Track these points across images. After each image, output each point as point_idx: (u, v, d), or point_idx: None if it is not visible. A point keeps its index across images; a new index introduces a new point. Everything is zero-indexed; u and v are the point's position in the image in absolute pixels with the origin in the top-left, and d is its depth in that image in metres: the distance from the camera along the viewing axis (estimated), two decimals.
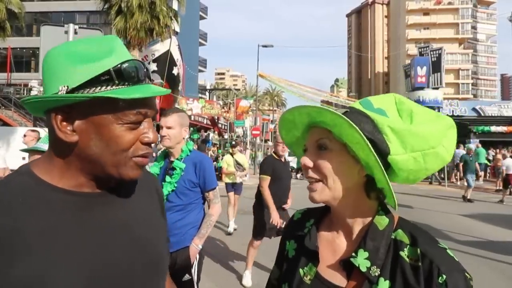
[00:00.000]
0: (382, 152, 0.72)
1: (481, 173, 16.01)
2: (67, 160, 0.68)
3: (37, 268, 0.60)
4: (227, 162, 7.56)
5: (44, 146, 1.48)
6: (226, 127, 28.69)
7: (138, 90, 0.66)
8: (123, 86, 0.66)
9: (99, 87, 0.64)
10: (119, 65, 0.65)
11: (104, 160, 0.67)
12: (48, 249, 0.62)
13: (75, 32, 4.42)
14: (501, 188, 11.87)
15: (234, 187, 7.36)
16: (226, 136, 24.89)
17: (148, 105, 0.69)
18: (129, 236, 0.72)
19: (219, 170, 16.96)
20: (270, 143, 47.17)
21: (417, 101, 17.51)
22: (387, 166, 0.73)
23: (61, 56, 0.66)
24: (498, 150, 15.29)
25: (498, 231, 6.97)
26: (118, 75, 0.65)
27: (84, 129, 0.66)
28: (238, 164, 7.42)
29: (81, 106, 0.65)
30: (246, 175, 7.73)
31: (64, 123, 0.66)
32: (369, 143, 0.68)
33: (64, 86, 0.64)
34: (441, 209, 9.15)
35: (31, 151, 1.53)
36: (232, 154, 7.78)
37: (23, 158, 5.36)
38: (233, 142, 10.63)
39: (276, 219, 3.73)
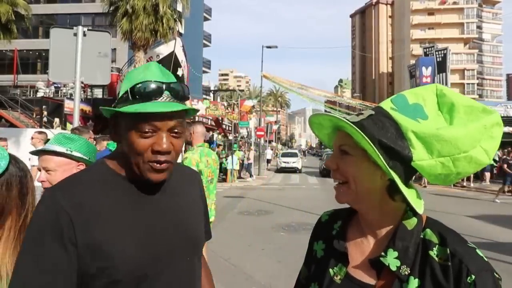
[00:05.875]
0: (405, 158, 0.71)
1: (488, 174, 15.88)
2: (121, 155, 0.89)
3: (106, 232, 0.81)
4: None
5: (53, 147, 1.47)
6: (230, 128, 28.74)
7: (140, 107, 0.81)
8: (135, 103, 0.82)
9: (119, 104, 0.84)
10: (133, 86, 0.83)
11: (130, 159, 0.85)
12: (113, 219, 0.82)
13: (84, 35, 4.45)
14: (509, 189, 11.78)
15: None
16: (230, 137, 24.93)
17: (159, 119, 0.82)
18: (172, 219, 0.90)
19: (224, 171, 16.97)
20: (274, 143, 47.15)
21: None
22: (412, 171, 0.73)
23: (123, 80, 0.89)
24: (506, 151, 15.14)
25: (506, 233, 6.92)
26: (132, 94, 0.82)
27: (121, 134, 0.86)
28: None
29: (118, 117, 0.86)
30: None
31: (113, 127, 0.88)
32: (378, 153, 0.69)
33: (117, 101, 0.87)
34: (447, 210, 9.09)
35: (41, 152, 1.53)
36: None
37: (29, 159, 5.40)
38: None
39: None
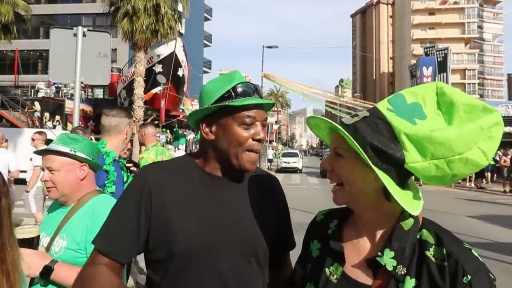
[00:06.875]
0: (397, 161, 0.71)
1: (488, 174, 15.88)
2: (208, 152, 1.03)
3: (175, 211, 0.95)
4: None
5: (57, 147, 1.48)
6: None
7: (246, 100, 0.97)
8: (238, 99, 0.97)
9: (224, 102, 0.97)
10: (234, 85, 0.99)
11: (229, 152, 0.98)
12: (182, 202, 0.97)
13: (84, 35, 4.45)
14: (510, 189, 11.81)
15: None
16: None
17: (257, 112, 0.99)
18: (233, 215, 0.99)
19: None
20: (274, 143, 47.17)
21: None
22: (408, 173, 0.73)
23: (204, 89, 1.04)
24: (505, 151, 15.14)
25: (506, 233, 6.92)
26: (235, 92, 0.98)
27: (217, 130, 1.00)
28: None
29: (215, 115, 1.00)
30: None
31: (206, 128, 1.01)
32: (366, 156, 0.70)
33: (206, 104, 0.99)
34: (448, 210, 9.08)
35: (45, 152, 1.53)
36: None
37: (30, 159, 5.40)
38: None
39: None
